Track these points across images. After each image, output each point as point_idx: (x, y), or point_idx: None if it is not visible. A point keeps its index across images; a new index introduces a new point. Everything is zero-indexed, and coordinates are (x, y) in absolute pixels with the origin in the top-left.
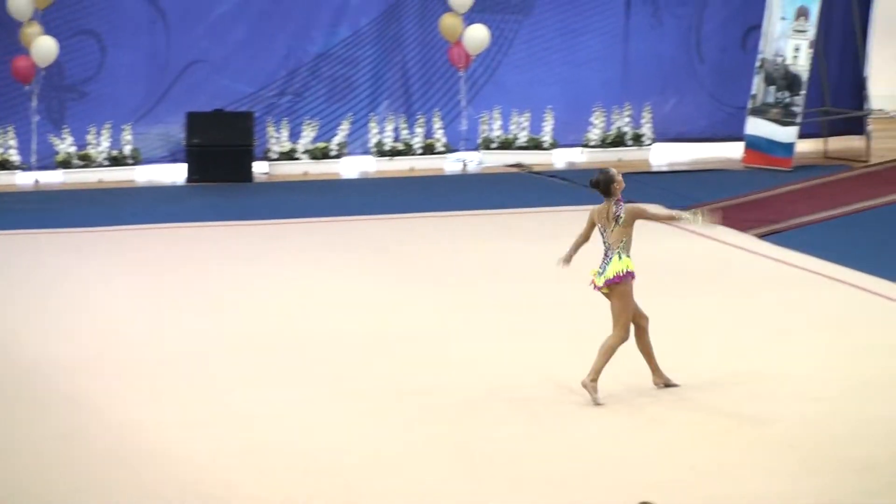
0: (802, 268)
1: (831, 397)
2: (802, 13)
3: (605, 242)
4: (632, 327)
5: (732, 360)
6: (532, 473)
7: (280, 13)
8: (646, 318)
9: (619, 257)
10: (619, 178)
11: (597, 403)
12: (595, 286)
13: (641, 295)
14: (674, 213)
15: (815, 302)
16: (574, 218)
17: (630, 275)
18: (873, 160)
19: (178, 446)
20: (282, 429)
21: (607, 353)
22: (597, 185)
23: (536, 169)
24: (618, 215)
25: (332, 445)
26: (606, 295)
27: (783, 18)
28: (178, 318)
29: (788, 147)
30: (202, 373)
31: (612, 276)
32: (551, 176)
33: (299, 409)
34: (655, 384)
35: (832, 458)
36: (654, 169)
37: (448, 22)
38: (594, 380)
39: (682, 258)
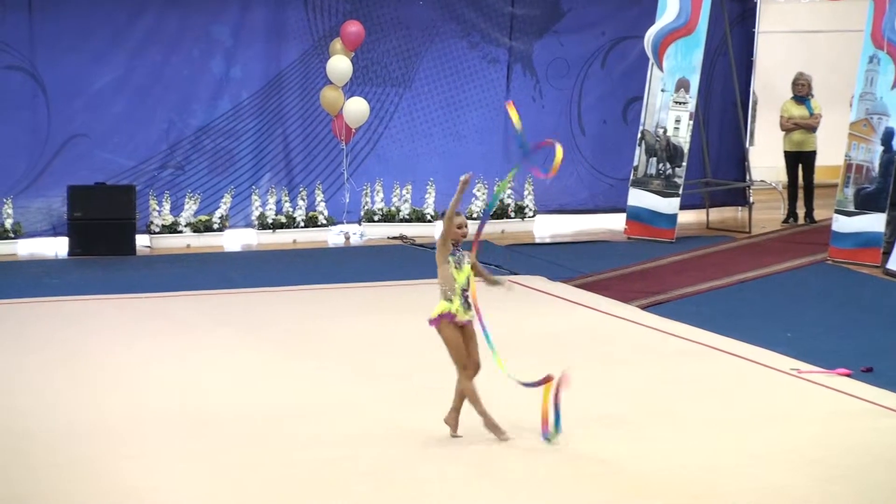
0: (686, 338)
1: (720, 470)
2: (683, 85)
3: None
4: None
5: (619, 432)
6: None
7: (160, 87)
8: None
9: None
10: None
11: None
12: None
13: (525, 366)
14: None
15: (699, 373)
16: None
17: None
18: (755, 231)
19: None
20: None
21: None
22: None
23: (419, 241)
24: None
25: None
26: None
27: (664, 90)
28: (64, 393)
29: (671, 218)
30: (88, 449)
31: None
32: (433, 248)
33: (196, 485)
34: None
35: None
36: (538, 241)
37: (329, 95)
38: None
39: (566, 329)
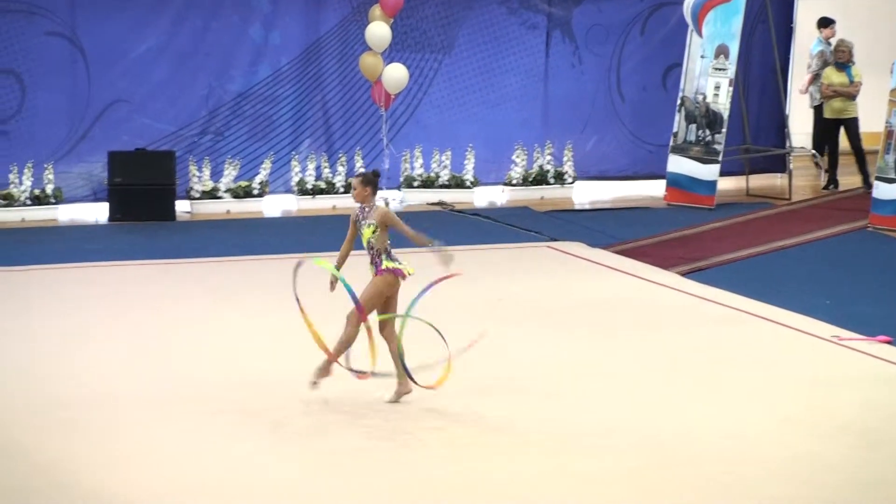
0: (726, 305)
1: (757, 435)
2: (722, 51)
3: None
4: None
5: (656, 399)
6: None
7: (200, 53)
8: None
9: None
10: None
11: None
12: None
13: (565, 333)
14: (420, 235)
15: (739, 339)
16: (495, 256)
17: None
18: (795, 198)
19: (104, 483)
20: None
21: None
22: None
23: (458, 207)
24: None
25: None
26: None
27: (703, 57)
28: (103, 358)
29: (710, 185)
30: (125, 414)
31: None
32: (473, 214)
33: (235, 448)
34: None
35: (752, 497)
36: (577, 207)
37: (368, 61)
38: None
39: (605, 296)
